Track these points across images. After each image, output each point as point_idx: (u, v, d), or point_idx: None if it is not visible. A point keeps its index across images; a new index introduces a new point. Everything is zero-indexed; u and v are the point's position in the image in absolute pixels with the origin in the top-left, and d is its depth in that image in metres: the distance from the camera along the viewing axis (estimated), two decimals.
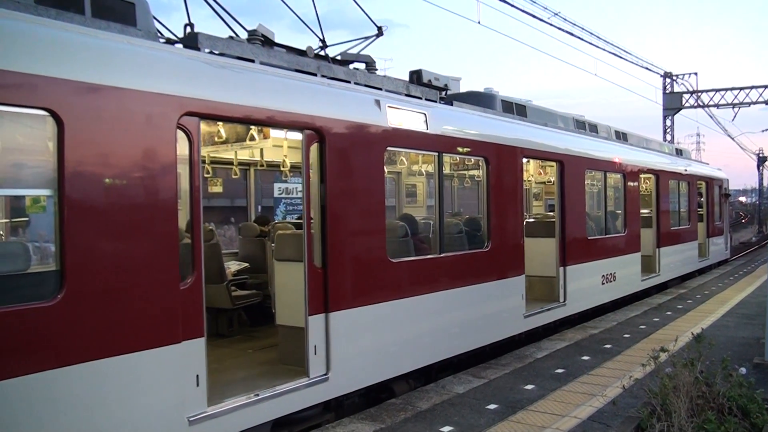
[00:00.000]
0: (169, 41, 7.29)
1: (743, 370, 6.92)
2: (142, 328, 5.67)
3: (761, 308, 13.16)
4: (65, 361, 5.12)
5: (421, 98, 9.72)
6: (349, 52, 9.47)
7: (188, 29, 7.22)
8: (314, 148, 7.49)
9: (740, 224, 77.84)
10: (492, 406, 7.94)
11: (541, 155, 12.13)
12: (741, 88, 36.76)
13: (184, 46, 6.90)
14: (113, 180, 5.50)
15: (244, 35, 7.91)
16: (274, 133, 8.77)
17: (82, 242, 5.27)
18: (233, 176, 7.77)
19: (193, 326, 6.18)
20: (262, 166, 11.14)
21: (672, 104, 38.56)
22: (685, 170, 21.09)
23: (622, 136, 17.69)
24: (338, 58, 9.12)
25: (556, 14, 21.56)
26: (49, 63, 5.15)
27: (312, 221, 7.45)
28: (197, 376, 6.15)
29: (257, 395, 6.67)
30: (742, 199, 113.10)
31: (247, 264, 10.83)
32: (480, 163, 10.62)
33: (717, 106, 37.90)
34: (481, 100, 11.90)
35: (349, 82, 8.50)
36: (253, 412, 6.57)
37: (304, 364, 7.17)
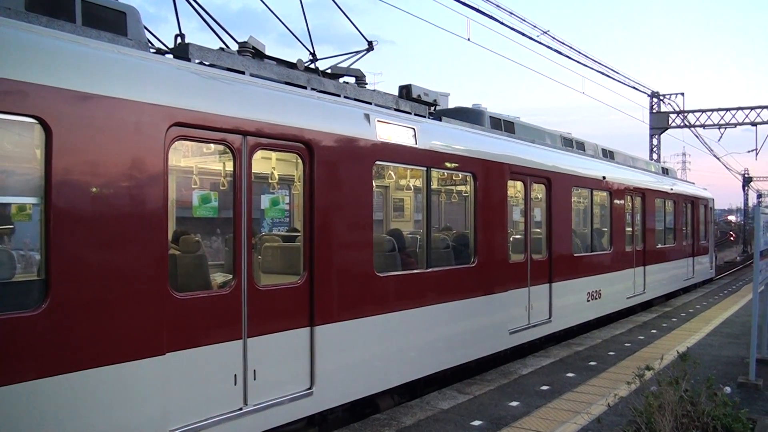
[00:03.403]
0: (159, 51, 7.27)
1: (728, 390, 6.94)
2: (127, 339, 5.62)
3: (746, 327, 13.25)
4: (49, 371, 5.07)
5: (410, 113, 9.73)
6: (340, 65, 9.49)
7: (179, 40, 7.22)
8: (302, 161, 7.49)
9: (727, 243, 78.23)
10: (476, 423, 7.92)
11: (529, 172, 12.17)
12: (727, 109, 37.03)
13: (175, 57, 6.89)
14: (101, 189, 5.46)
15: (234, 47, 7.91)
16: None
17: (68, 251, 5.23)
18: (221, 188, 7.74)
19: (234, 329, 6.52)
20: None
21: (659, 123, 38.78)
22: (671, 189, 21.21)
23: (609, 155, 17.78)
24: (328, 71, 9.13)
25: (545, 32, 21.66)
26: (39, 70, 5.13)
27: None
28: (235, 375, 6.53)
29: (240, 408, 6.62)
30: (732, 218, 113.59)
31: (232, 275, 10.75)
32: (468, 179, 10.64)
33: (703, 126, 38.16)
34: (469, 116, 11.94)
35: (338, 95, 8.50)
36: (235, 425, 6.52)
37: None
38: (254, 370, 6.75)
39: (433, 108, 10.63)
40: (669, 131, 39.52)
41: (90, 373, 5.34)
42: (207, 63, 7.06)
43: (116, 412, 5.55)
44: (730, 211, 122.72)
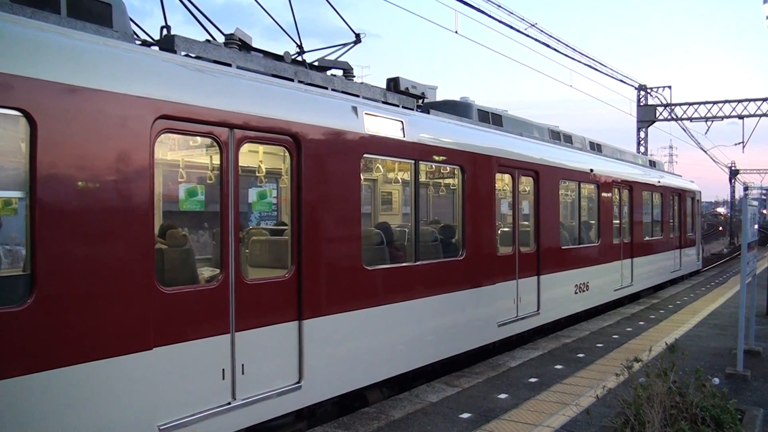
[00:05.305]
0: (145, 43, 7.21)
1: (716, 381, 6.97)
2: (114, 334, 5.58)
3: (733, 319, 13.32)
4: (35, 367, 5.03)
5: (398, 106, 9.70)
6: (327, 58, 9.44)
7: (164, 32, 7.15)
8: (290, 154, 7.45)
9: (714, 235, 78.73)
10: (465, 415, 7.92)
11: (517, 165, 12.17)
12: (714, 103, 37.19)
13: (161, 49, 6.83)
14: (86, 183, 5.41)
15: (220, 39, 7.85)
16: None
17: (53, 246, 5.18)
18: (208, 181, 7.71)
19: (221, 324, 6.51)
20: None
21: (646, 117, 38.93)
22: (659, 182, 21.28)
23: (596, 147, 17.82)
24: (315, 64, 9.08)
25: (533, 25, 21.71)
26: (23, 62, 5.06)
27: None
28: (222, 370, 6.52)
29: (228, 403, 6.59)
30: (721, 210, 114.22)
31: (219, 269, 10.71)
32: (456, 172, 10.63)
33: (690, 119, 38.32)
34: (457, 109, 11.92)
35: (326, 88, 8.46)
36: (223, 420, 6.49)
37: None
38: (242, 365, 6.72)
39: (421, 101, 10.61)
40: (656, 124, 39.71)
41: (77, 369, 5.29)
42: (193, 55, 7.01)
43: (104, 407, 5.50)
44: (717, 204, 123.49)
